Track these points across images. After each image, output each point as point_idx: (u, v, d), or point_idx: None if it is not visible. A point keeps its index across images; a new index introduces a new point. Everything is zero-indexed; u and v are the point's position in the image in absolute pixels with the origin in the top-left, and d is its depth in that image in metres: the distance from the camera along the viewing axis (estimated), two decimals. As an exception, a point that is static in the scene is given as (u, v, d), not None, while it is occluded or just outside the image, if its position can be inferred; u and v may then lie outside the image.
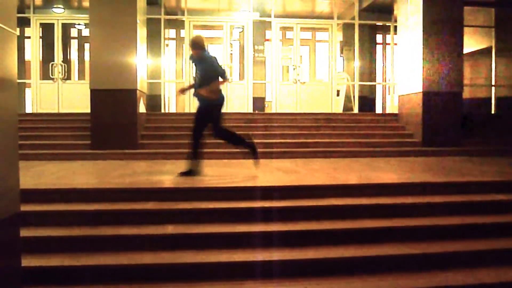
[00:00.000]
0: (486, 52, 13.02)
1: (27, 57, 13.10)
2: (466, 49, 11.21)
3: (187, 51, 12.11)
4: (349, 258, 4.13)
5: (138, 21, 8.84)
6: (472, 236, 4.62)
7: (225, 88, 11.76)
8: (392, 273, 4.01)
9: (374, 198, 5.16)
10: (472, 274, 4.01)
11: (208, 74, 6.10)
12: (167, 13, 12.80)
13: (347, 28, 14.08)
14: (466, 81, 11.81)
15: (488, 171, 6.92)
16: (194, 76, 6.35)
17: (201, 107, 6.24)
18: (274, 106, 12.21)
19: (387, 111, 14.44)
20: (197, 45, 6.10)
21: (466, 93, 11.26)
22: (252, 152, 6.46)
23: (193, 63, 6.36)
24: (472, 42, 13.08)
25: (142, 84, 9.33)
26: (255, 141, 8.89)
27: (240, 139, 6.53)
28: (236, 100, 11.99)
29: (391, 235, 4.53)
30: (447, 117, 9.33)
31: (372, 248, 4.29)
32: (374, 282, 3.86)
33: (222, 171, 6.63)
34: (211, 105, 6.19)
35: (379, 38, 15.60)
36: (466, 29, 10.25)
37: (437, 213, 4.96)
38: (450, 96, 9.37)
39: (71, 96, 11.58)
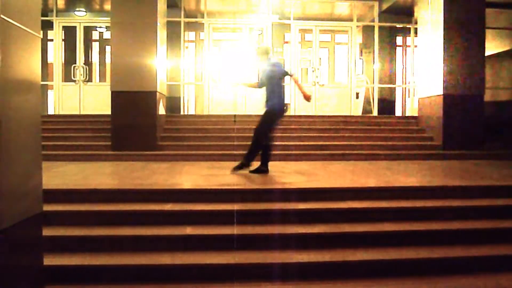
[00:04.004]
0: (508, 54, 12.80)
1: (50, 59, 13.31)
2: (488, 52, 11.03)
3: (205, 53, 12.19)
4: (367, 261, 4.12)
5: (158, 23, 8.92)
6: (493, 241, 4.56)
7: (243, 90, 11.84)
8: (412, 277, 3.99)
9: (393, 201, 5.13)
10: (493, 279, 3.96)
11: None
12: (187, 16, 12.87)
13: (367, 30, 13.97)
14: (488, 84, 11.61)
15: (510, 175, 6.80)
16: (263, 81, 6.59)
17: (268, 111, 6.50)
18: (292, 108, 12.18)
19: (407, 114, 14.29)
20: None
21: (488, 96, 11.07)
22: (240, 165, 6.52)
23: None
24: (494, 44, 12.87)
25: (161, 86, 9.41)
26: (274, 143, 8.98)
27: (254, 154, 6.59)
28: (254, 102, 11.99)
29: (411, 238, 4.50)
30: (468, 120, 9.19)
31: (391, 252, 4.26)
32: (393, 286, 3.84)
33: (240, 172, 6.63)
34: None
35: (399, 40, 15.46)
36: (488, 31, 10.09)
37: (457, 217, 4.90)
38: (471, 99, 9.23)
39: (92, 98, 11.72)
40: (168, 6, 10.33)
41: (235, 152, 8.44)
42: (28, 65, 2.92)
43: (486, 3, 9.55)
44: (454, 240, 4.52)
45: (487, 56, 10.23)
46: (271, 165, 6.54)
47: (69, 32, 12.74)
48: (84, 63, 12.09)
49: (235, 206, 4.83)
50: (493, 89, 13.07)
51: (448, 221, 4.81)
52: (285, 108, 6.57)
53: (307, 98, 6.45)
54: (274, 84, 6.46)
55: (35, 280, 3.13)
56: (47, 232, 3.60)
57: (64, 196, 5.03)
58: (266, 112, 6.48)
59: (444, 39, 9.19)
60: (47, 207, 3.56)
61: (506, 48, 12.92)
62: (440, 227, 4.67)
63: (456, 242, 4.50)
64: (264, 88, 6.58)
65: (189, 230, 4.48)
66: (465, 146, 9.08)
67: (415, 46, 12.36)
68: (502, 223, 4.81)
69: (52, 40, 12.61)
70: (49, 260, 3.61)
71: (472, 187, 5.60)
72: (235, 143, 8.94)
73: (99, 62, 15.47)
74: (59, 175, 6.43)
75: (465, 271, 4.09)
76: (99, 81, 14.72)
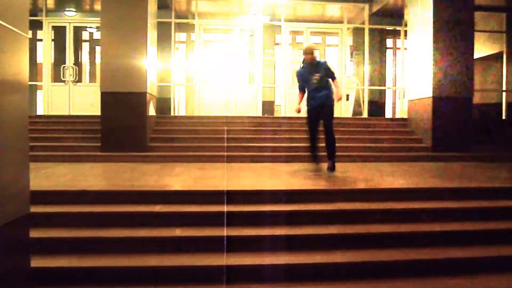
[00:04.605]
0: (497, 57, 12.93)
1: (39, 59, 13.22)
2: (477, 54, 11.13)
3: (196, 54, 12.18)
4: (357, 263, 4.13)
5: (148, 24, 8.89)
6: (482, 242, 4.60)
7: (234, 92, 11.85)
8: (401, 278, 4.00)
9: (382, 203, 5.14)
10: (482, 280, 3.99)
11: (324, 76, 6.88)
12: (177, 17, 12.85)
13: (357, 33, 14.04)
14: (476, 86, 11.71)
15: (498, 177, 6.86)
16: (312, 80, 6.88)
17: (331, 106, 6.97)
18: (283, 109, 12.21)
19: (397, 116, 14.37)
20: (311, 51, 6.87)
21: (477, 98, 11.17)
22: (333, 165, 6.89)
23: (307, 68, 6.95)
24: (483, 47, 13.00)
25: (152, 87, 9.37)
26: (264, 144, 9.01)
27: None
28: (245, 103, 12.01)
29: (400, 240, 4.52)
30: (457, 122, 9.25)
31: (381, 253, 4.28)
32: (382, 287, 3.85)
33: (232, 174, 6.63)
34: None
35: (389, 42, 15.54)
36: (477, 34, 10.18)
37: (446, 219, 4.93)
38: (460, 101, 9.29)
39: (82, 99, 11.66)
40: (158, 7, 10.30)
41: (225, 153, 8.46)
42: (15, 65, 2.89)
43: (475, 6, 9.64)
44: (442, 242, 4.55)
45: (476, 58, 10.32)
46: (260, 166, 6.54)
47: (59, 32, 12.68)
48: (73, 64, 12.02)
49: (225, 208, 4.83)
50: (482, 91, 13.20)
51: (436, 222, 4.84)
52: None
53: (339, 99, 6.98)
54: (326, 81, 6.86)
55: (22, 282, 3.10)
56: (35, 233, 3.58)
57: (53, 198, 4.99)
58: (329, 109, 6.96)
59: (433, 41, 9.25)
60: (35, 209, 3.54)
61: (495, 51, 13.05)
62: (429, 229, 4.70)
63: (445, 244, 4.53)
64: (311, 88, 6.94)
65: (178, 232, 4.46)
66: (454, 148, 9.14)
67: (405, 49, 12.45)
68: (491, 225, 4.84)
69: (41, 40, 12.53)
70: (37, 262, 3.58)
71: (461, 189, 5.63)
72: (226, 144, 8.94)
73: (89, 62, 15.40)
74: (47, 176, 6.38)
75: (454, 272, 4.11)
76: (89, 81, 14.66)
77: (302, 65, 7.08)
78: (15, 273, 2.99)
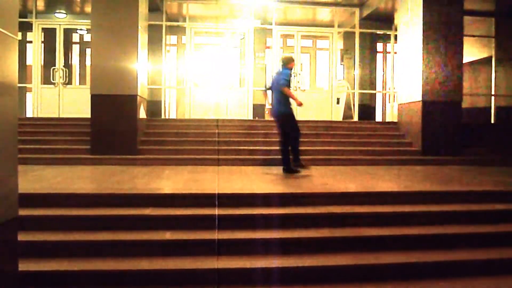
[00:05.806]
0: (486, 61, 13.05)
1: (29, 61, 13.12)
2: (466, 59, 11.22)
3: (187, 57, 12.17)
4: (346, 266, 4.14)
5: (139, 27, 8.85)
6: (470, 246, 4.63)
7: (225, 95, 11.86)
8: (390, 282, 4.02)
9: (372, 206, 5.17)
10: (470, 283, 4.01)
11: None
12: (168, 20, 12.83)
13: (348, 37, 14.11)
14: (465, 91, 11.81)
15: (487, 181, 6.92)
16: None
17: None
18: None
19: (387, 120, 14.44)
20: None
21: (466, 103, 11.26)
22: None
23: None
24: (472, 52, 13.11)
25: (142, 89, 9.34)
26: (255, 148, 9.00)
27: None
28: (236, 106, 12.01)
29: (389, 243, 4.54)
30: (447, 126, 9.32)
31: (370, 256, 4.29)
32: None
33: (222, 177, 6.63)
34: None
35: (379, 46, 15.64)
36: (466, 39, 10.27)
37: (435, 222, 4.96)
38: (449, 105, 9.36)
39: (71, 101, 11.58)
40: (149, 10, 10.27)
41: (216, 156, 8.46)
42: (5, 67, 2.87)
43: (464, 11, 9.72)
44: (431, 245, 4.57)
45: (465, 63, 10.40)
46: (250, 170, 6.54)
47: (49, 34, 12.58)
48: (63, 66, 11.96)
49: (215, 211, 4.82)
50: (471, 96, 13.31)
51: (425, 226, 4.87)
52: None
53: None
54: None
55: (10, 285, 3.07)
56: (23, 237, 3.55)
57: (42, 201, 4.95)
58: None
59: (423, 46, 9.31)
60: (24, 212, 3.51)
61: (484, 55, 13.17)
62: (418, 232, 4.72)
63: (434, 247, 4.55)
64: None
65: (168, 235, 4.44)
66: (443, 152, 9.20)
67: (395, 53, 12.52)
68: (479, 228, 4.88)
69: (31, 42, 12.44)
70: (25, 266, 3.55)
71: (449, 193, 5.68)
72: (217, 147, 8.93)
73: (79, 64, 15.32)
74: (36, 179, 6.33)
75: (443, 275, 4.13)
76: (79, 84, 14.59)
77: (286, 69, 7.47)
78: (3, 277, 2.96)
